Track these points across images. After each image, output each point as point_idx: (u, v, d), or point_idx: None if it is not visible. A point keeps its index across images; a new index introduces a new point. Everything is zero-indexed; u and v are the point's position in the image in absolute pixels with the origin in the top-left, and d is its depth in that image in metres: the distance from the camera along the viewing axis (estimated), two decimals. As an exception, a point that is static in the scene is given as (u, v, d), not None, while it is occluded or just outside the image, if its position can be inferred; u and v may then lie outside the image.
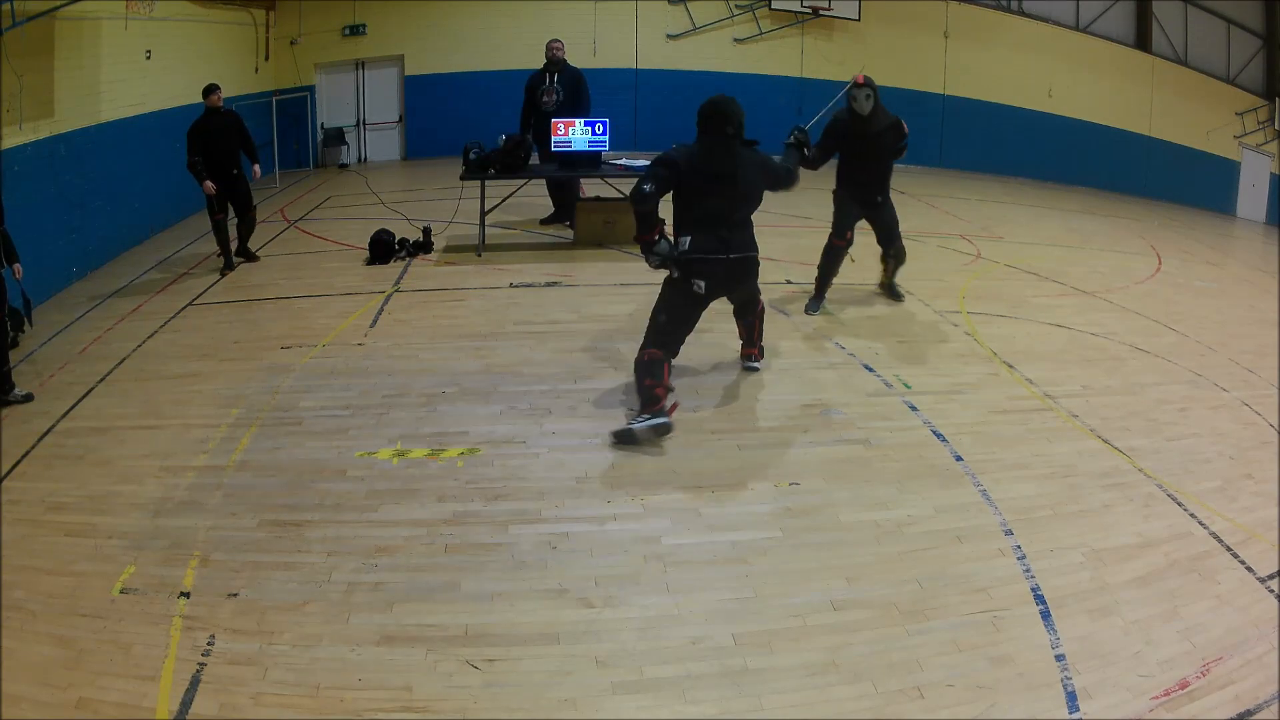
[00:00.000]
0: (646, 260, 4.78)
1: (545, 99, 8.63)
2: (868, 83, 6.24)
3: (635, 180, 4.75)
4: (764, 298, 5.42)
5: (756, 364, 5.60)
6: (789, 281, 7.26)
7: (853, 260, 6.86)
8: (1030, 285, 8.05)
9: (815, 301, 6.75)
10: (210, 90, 7.55)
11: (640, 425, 4.55)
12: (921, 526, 3.91)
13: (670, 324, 4.81)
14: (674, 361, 4.90)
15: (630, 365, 5.33)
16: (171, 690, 2.84)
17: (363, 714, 2.79)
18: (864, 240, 6.80)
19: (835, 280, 6.76)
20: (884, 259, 7.02)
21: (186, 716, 2.74)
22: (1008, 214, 11.93)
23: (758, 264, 5.03)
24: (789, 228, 8.95)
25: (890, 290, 7.19)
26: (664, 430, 4.57)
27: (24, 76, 6.72)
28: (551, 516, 3.91)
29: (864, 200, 6.56)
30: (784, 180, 5.05)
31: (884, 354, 5.91)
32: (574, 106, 8.65)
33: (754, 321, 5.49)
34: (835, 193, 6.65)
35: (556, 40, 8.88)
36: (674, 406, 4.71)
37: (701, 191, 4.68)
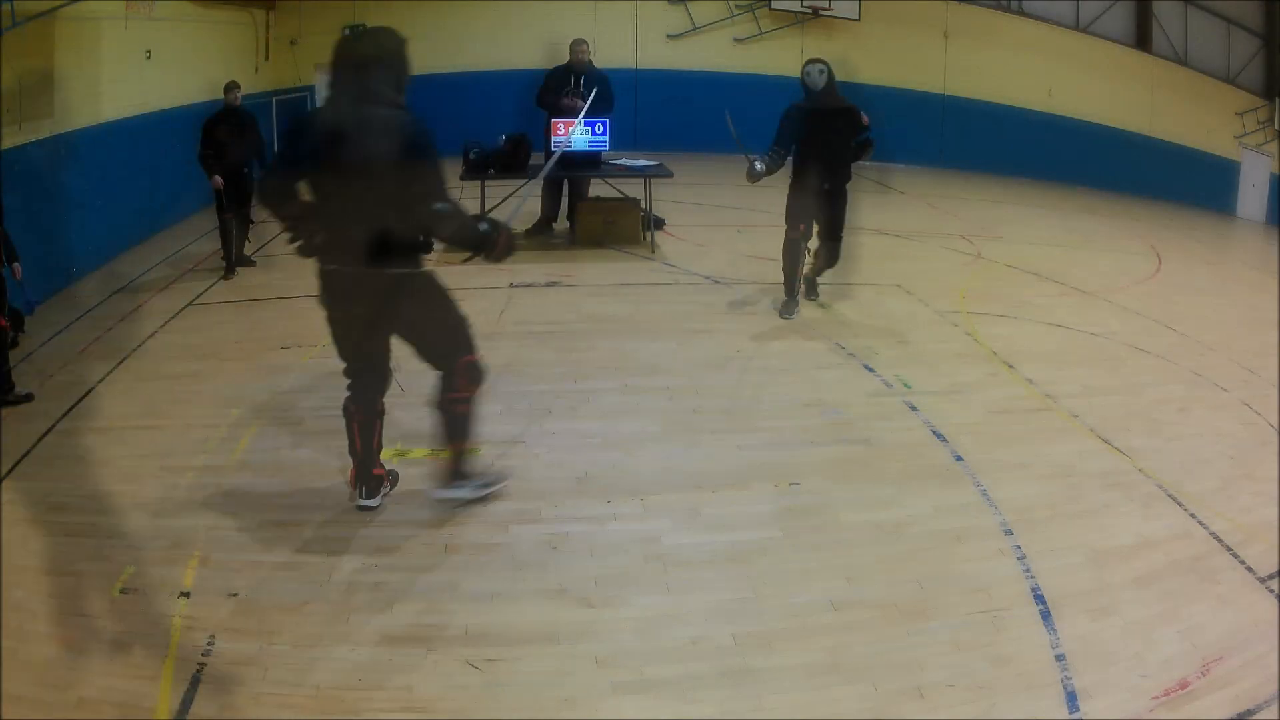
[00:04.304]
0: None
1: (567, 103, 8.10)
2: (821, 60, 6.28)
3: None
4: (479, 383, 3.67)
5: (452, 492, 3.77)
6: (789, 281, 7.25)
7: (810, 252, 6.67)
8: (1030, 285, 8.04)
9: (789, 304, 6.54)
10: (230, 88, 7.60)
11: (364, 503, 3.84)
12: (921, 526, 3.91)
13: (338, 347, 3.67)
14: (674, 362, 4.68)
15: (627, 366, 5.35)
16: (171, 690, 2.84)
17: (363, 714, 2.79)
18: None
19: (832, 280, 6.73)
20: (815, 254, 6.73)
21: (186, 716, 2.74)
22: (1008, 214, 11.93)
23: (404, 286, 3.49)
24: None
25: (809, 286, 6.91)
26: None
27: (24, 76, 6.72)
28: (551, 516, 3.91)
29: (814, 188, 6.34)
30: (438, 208, 3.40)
31: (884, 354, 5.91)
32: (601, 112, 8.03)
33: (442, 412, 3.67)
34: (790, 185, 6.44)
35: (582, 41, 8.26)
36: (385, 478, 3.88)
37: (325, 170, 3.37)
